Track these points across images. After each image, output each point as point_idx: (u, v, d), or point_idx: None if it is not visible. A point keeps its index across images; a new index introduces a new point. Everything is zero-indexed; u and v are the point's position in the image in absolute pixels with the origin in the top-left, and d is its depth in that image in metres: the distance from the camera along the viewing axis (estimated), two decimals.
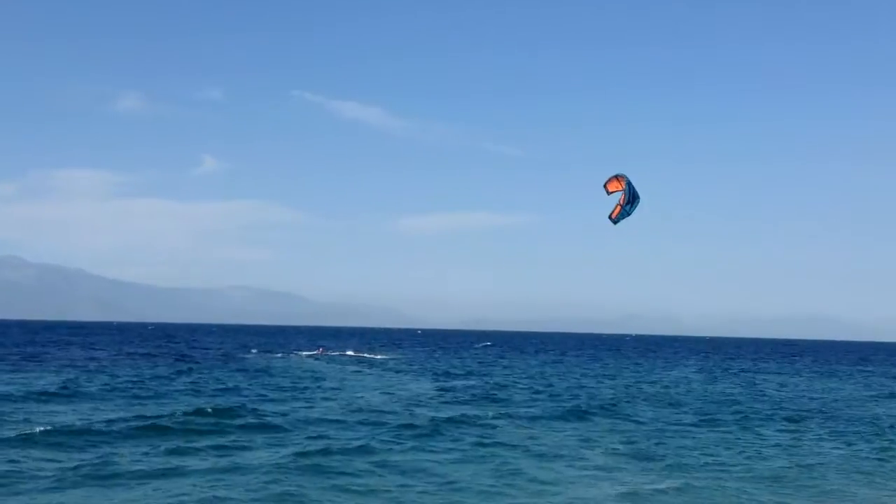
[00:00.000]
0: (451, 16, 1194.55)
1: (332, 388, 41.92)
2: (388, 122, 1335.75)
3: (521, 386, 46.83)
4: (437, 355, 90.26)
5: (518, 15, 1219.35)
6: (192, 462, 20.32)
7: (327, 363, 67.88)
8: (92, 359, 62.92)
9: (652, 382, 53.62)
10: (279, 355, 78.04)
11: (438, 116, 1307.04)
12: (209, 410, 28.90)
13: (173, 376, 46.64)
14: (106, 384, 39.78)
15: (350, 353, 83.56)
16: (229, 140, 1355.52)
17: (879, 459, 24.24)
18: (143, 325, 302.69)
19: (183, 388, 39.60)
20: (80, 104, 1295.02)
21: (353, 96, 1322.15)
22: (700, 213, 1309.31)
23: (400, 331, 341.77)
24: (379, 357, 79.14)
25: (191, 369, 52.94)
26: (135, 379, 43.81)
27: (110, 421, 26.42)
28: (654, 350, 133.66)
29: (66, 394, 34.95)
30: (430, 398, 37.81)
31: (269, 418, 28.21)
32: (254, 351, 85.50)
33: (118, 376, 45.19)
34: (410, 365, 67.88)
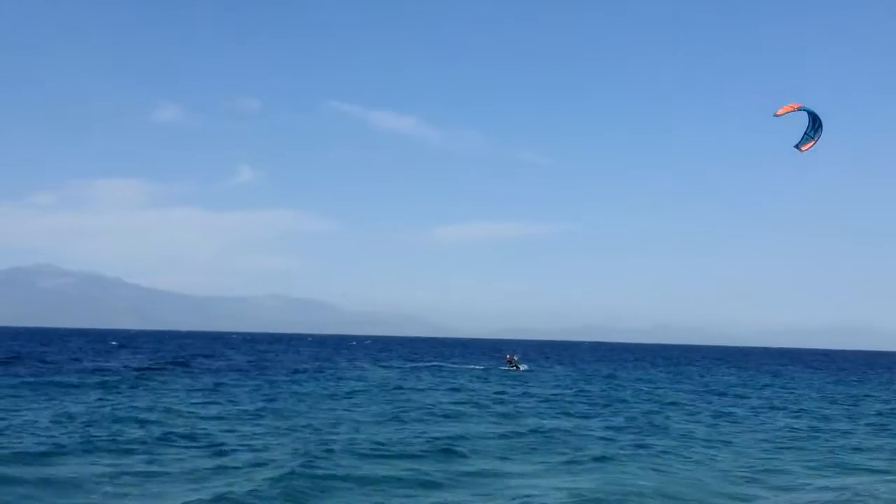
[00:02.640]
0: (485, 26, 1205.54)
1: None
2: (423, 131, 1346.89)
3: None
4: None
5: (550, 24, 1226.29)
6: None
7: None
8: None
9: None
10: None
11: (472, 125, 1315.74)
12: None
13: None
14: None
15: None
16: (265, 150, 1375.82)
17: None
18: (199, 335, 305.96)
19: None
20: (119, 114, 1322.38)
21: (388, 106, 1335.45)
22: (731, 221, 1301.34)
23: (435, 340, 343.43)
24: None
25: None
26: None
27: None
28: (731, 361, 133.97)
29: None
30: None
31: None
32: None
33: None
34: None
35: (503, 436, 27.07)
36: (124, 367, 59.43)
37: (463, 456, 22.72)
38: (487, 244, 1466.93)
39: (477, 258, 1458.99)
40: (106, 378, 46.66)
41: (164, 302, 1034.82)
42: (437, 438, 25.44)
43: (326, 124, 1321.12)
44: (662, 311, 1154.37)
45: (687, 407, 40.63)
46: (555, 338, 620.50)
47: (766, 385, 64.40)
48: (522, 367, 75.54)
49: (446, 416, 32.33)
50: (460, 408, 35.79)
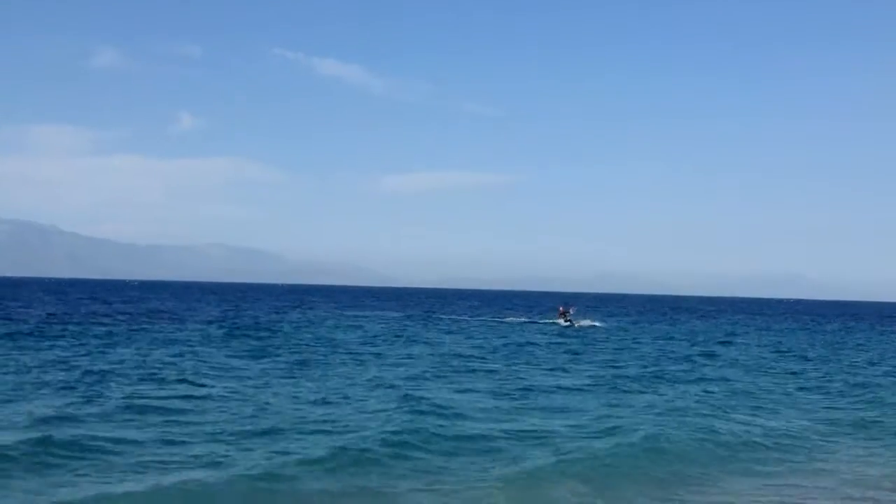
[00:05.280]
0: None
1: None
2: (369, 80, 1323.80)
3: None
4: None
5: None
6: None
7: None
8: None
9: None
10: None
11: (418, 75, 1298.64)
12: None
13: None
14: None
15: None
16: (207, 97, 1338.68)
17: None
18: (130, 283, 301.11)
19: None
20: (56, 60, 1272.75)
21: (331, 54, 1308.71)
22: (673, 172, 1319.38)
23: (379, 289, 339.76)
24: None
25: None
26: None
27: None
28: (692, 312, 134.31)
29: None
30: None
31: None
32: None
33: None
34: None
35: None
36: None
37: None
38: (435, 194, 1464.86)
39: (424, 208, 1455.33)
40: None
41: (103, 251, 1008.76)
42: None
43: (270, 72, 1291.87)
44: (604, 260, 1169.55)
45: None
46: (501, 287, 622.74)
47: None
48: (583, 322, 61.78)
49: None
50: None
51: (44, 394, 20.03)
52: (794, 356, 41.52)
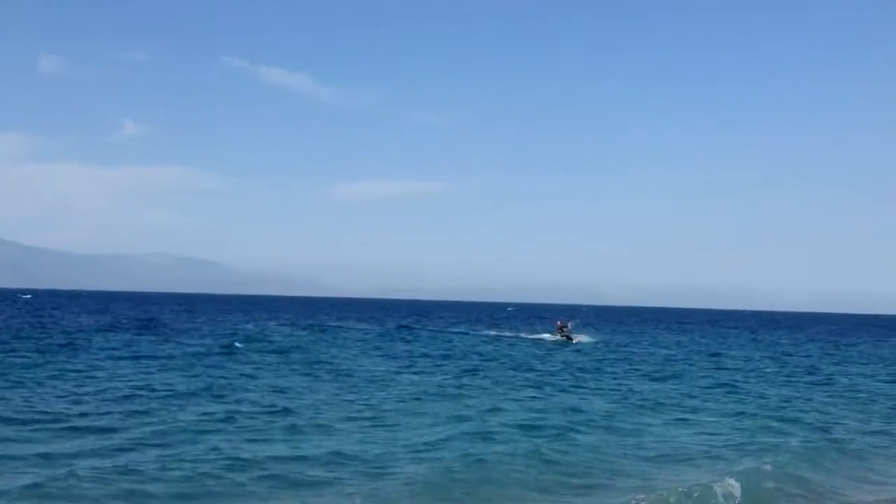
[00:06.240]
0: None
1: None
2: (316, 88, 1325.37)
3: None
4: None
5: None
6: None
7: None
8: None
9: None
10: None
11: (366, 84, 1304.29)
12: None
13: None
14: None
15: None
16: (153, 104, 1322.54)
17: None
18: (80, 294, 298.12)
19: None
20: None
21: (279, 62, 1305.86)
22: (622, 181, 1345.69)
23: (323, 299, 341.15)
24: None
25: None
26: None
27: None
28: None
29: None
30: None
31: None
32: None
33: None
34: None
35: None
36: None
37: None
38: (382, 203, 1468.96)
39: (371, 216, 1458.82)
40: None
41: (45, 260, 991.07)
42: None
43: (217, 79, 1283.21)
44: (552, 271, 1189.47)
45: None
46: (447, 297, 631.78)
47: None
48: (579, 338, 60.34)
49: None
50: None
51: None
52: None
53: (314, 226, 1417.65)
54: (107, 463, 15.72)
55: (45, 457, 16.28)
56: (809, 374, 42.82)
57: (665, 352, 55.92)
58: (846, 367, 48.80)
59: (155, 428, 19.58)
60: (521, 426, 21.08)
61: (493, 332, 72.02)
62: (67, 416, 20.96)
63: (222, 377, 30.48)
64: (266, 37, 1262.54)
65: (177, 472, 15.08)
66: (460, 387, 30.33)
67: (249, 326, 71.47)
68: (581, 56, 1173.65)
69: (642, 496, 14.36)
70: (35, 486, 13.90)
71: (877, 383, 38.70)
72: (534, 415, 23.51)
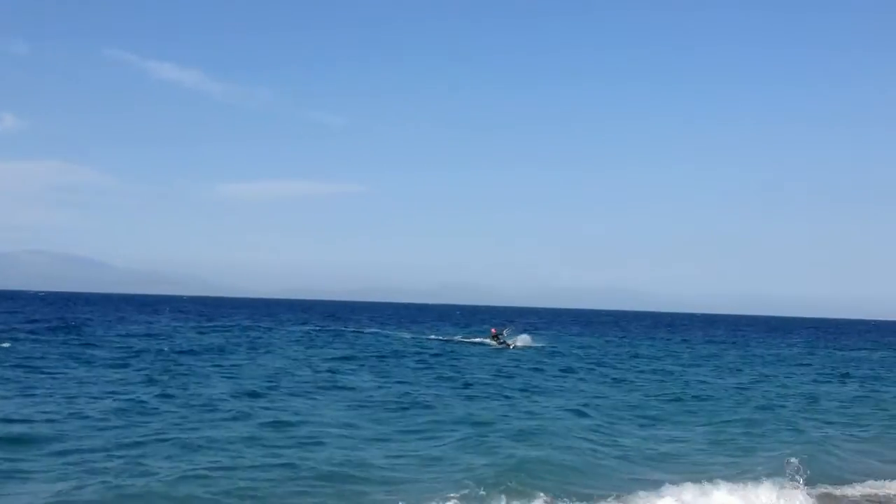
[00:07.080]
0: None
1: None
2: (208, 85, 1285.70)
3: None
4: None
5: None
6: None
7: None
8: None
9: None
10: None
11: (261, 82, 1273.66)
12: None
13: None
14: None
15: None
16: (33, 97, 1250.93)
17: None
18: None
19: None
20: None
21: (169, 57, 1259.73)
22: (532, 180, 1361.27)
23: (217, 299, 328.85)
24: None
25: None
26: None
27: None
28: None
29: None
30: None
31: None
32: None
33: None
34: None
35: None
36: None
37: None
38: (276, 203, 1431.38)
39: (264, 217, 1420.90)
40: None
41: None
42: None
43: (102, 73, 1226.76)
44: (446, 271, 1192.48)
45: None
46: (343, 298, 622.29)
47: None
48: (516, 342, 58.40)
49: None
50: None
51: None
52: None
53: (203, 225, 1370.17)
54: None
55: None
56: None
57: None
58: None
59: None
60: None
61: (433, 336, 70.25)
62: None
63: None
64: (156, 31, 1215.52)
65: None
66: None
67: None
68: (511, 54, 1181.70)
69: None
70: None
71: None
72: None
